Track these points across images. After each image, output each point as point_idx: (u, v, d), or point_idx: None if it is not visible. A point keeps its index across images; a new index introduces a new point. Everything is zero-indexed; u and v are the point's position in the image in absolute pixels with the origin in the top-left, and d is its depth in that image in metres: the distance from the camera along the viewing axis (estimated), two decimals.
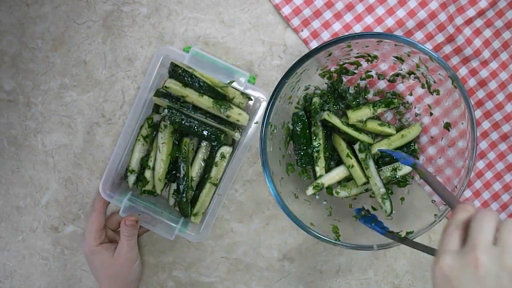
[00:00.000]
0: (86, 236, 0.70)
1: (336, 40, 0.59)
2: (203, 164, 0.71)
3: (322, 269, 0.77)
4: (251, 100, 0.70)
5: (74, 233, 0.76)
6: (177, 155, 0.69)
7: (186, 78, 0.66)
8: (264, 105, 0.67)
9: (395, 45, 0.61)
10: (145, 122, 0.69)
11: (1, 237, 0.76)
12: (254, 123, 0.69)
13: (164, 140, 0.69)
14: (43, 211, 0.75)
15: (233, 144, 0.72)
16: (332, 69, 0.70)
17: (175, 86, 0.66)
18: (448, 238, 0.45)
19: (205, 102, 0.67)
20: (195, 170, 0.71)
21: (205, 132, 0.68)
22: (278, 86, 0.61)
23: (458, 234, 0.45)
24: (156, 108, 0.70)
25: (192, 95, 0.67)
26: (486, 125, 0.74)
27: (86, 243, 0.69)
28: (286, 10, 0.69)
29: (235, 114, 0.68)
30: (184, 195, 0.70)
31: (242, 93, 0.68)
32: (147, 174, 0.70)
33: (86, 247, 0.70)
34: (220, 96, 0.67)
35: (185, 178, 0.69)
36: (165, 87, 0.67)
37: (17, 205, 0.75)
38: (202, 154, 0.71)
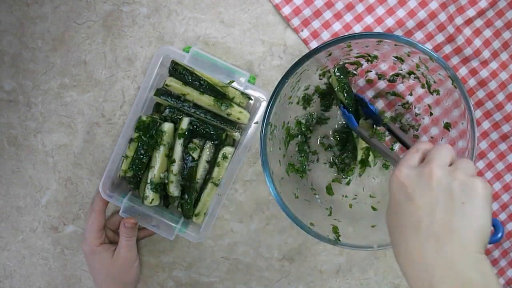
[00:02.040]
0: (86, 236, 0.69)
1: (336, 40, 0.59)
2: (207, 166, 0.71)
3: (322, 269, 0.77)
4: (251, 100, 0.70)
5: (74, 233, 0.76)
6: (185, 155, 0.69)
7: (186, 77, 0.66)
8: (264, 105, 0.67)
9: (395, 45, 0.61)
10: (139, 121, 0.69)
11: (1, 237, 0.76)
12: (254, 123, 0.69)
13: (164, 142, 0.68)
14: (43, 211, 0.75)
15: (233, 144, 0.72)
16: (332, 69, 0.70)
17: (175, 84, 0.66)
18: (408, 156, 0.49)
19: (206, 100, 0.67)
20: (200, 172, 0.71)
21: (207, 130, 0.68)
22: (278, 86, 0.61)
23: (418, 156, 0.49)
24: (157, 108, 0.70)
25: (192, 93, 0.67)
26: (486, 125, 0.74)
27: (86, 243, 0.69)
28: (286, 10, 0.69)
29: (236, 112, 0.68)
30: (188, 196, 0.70)
31: (242, 93, 0.68)
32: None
33: (86, 247, 0.69)
34: (220, 94, 0.67)
35: (192, 180, 0.70)
36: (166, 85, 0.67)
37: (17, 205, 0.75)
38: (206, 156, 0.71)
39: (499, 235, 0.48)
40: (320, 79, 0.70)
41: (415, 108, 0.72)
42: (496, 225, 0.48)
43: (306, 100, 0.71)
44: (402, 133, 0.64)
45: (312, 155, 0.74)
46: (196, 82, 0.66)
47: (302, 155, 0.73)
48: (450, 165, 0.47)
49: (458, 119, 0.65)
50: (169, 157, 0.69)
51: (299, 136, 0.72)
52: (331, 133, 0.74)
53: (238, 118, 0.69)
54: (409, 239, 0.45)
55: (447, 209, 0.44)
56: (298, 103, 0.71)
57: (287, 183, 0.69)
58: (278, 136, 0.68)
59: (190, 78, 0.66)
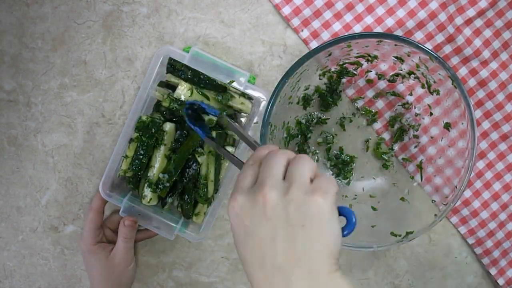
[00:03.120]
0: (84, 235, 0.70)
1: (336, 40, 0.59)
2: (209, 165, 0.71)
3: None
4: (251, 100, 0.70)
5: (74, 233, 0.76)
6: (189, 156, 0.69)
7: (185, 73, 0.66)
8: (264, 105, 0.67)
9: (395, 45, 0.61)
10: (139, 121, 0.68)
11: (1, 237, 0.76)
12: (254, 123, 0.69)
13: (165, 142, 0.68)
14: (43, 211, 0.75)
15: (233, 144, 0.72)
16: (332, 69, 0.70)
17: (175, 80, 0.66)
18: (242, 175, 0.44)
19: (207, 94, 0.67)
20: (203, 171, 0.71)
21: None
22: (278, 86, 0.61)
23: (252, 170, 0.44)
24: (157, 108, 0.70)
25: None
26: (486, 125, 0.74)
27: (83, 242, 0.70)
28: (286, 10, 0.69)
29: (237, 103, 0.68)
30: (188, 196, 0.70)
31: (242, 93, 0.68)
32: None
33: (83, 246, 0.70)
34: (220, 88, 0.67)
35: (194, 180, 0.69)
36: (166, 81, 0.67)
37: (17, 205, 0.75)
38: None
39: (352, 227, 0.43)
40: (320, 79, 0.70)
41: (415, 108, 0.72)
42: (346, 215, 0.43)
43: (306, 100, 0.71)
44: (242, 130, 0.57)
45: (312, 155, 0.74)
46: (195, 79, 0.66)
47: None
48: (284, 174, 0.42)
49: (458, 119, 0.65)
50: (169, 157, 0.69)
51: (299, 136, 0.72)
52: (330, 133, 0.74)
53: (240, 109, 0.69)
54: (257, 276, 0.40)
55: (288, 237, 0.39)
56: (298, 103, 0.71)
57: None
58: (278, 136, 0.68)
59: (189, 74, 0.66)
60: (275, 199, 0.40)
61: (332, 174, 0.75)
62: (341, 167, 0.74)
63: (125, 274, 0.70)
